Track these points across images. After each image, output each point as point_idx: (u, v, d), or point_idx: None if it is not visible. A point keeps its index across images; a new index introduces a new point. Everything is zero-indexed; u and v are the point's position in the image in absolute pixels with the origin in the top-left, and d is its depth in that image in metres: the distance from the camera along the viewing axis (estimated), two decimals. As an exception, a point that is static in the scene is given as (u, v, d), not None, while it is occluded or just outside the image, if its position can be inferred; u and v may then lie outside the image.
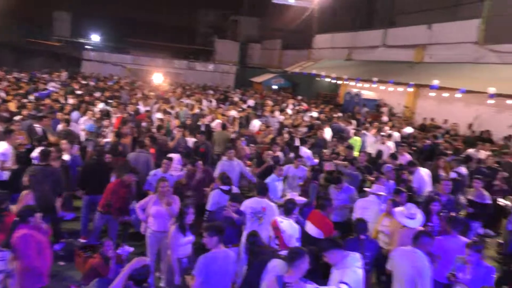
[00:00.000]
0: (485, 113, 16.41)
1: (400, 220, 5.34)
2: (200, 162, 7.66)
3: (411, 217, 5.32)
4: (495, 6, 16.46)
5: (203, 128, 12.18)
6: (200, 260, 4.17)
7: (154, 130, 10.77)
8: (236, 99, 20.12)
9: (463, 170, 9.17)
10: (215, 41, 38.25)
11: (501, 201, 8.71)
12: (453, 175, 8.83)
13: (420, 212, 5.42)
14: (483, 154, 11.22)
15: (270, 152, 9.14)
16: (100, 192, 6.67)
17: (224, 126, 11.60)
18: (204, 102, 17.88)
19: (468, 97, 16.31)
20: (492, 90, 13.51)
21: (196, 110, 14.65)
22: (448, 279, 4.65)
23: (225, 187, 6.61)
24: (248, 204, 5.92)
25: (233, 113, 14.81)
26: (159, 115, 12.94)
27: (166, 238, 5.43)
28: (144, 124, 11.51)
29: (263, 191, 6.10)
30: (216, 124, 12.88)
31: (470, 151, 11.49)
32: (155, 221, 5.77)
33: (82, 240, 6.99)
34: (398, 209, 5.54)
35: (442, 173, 8.89)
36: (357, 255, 4.02)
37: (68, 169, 7.67)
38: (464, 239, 5.23)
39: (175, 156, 8.18)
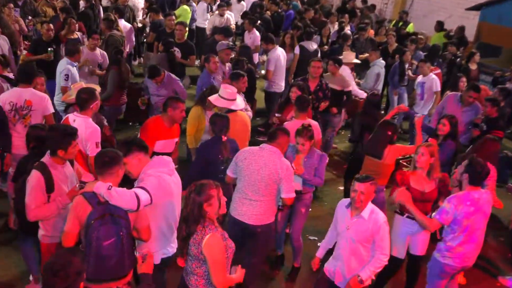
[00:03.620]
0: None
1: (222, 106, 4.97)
2: None
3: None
4: None
5: None
6: None
7: None
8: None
9: (313, 45, 8.14)
10: None
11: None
12: (296, 50, 7.95)
13: (240, 97, 5.21)
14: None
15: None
16: None
17: None
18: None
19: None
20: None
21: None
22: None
23: None
24: (5, 98, 4.70)
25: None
26: None
27: None
28: None
29: (29, 77, 4.76)
30: None
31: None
32: None
33: None
34: (212, 97, 5.01)
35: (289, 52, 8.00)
36: (165, 159, 3.39)
37: None
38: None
39: None
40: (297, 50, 7.86)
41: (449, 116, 5.11)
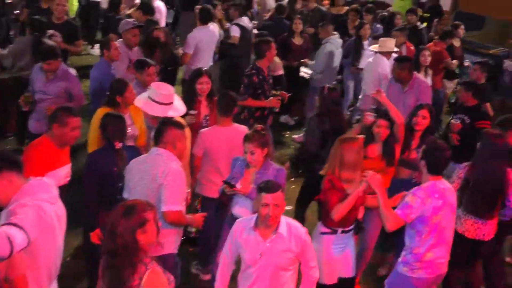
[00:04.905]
0: None
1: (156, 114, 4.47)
2: None
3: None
4: None
5: None
6: None
7: None
8: None
9: (248, 21, 7.27)
10: None
11: (304, 71, 7.32)
12: (236, 31, 6.89)
13: (178, 98, 4.61)
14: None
15: None
16: None
17: None
18: None
19: None
20: None
21: None
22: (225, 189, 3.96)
23: None
24: None
25: None
26: None
27: None
28: None
29: None
30: None
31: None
32: None
33: None
34: (140, 100, 4.41)
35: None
36: (46, 183, 2.89)
37: None
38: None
39: None
40: (236, 31, 6.77)
41: (428, 107, 4.66)
